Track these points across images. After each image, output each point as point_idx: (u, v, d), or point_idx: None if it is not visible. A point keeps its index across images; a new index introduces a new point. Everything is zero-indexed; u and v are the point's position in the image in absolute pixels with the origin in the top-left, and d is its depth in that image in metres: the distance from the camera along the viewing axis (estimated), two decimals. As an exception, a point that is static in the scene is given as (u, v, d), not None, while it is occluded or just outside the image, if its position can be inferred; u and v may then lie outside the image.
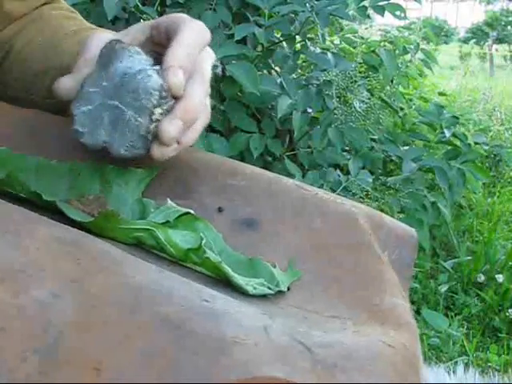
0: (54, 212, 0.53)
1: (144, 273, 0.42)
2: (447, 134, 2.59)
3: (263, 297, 0.51)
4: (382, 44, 2.70)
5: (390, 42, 2.73)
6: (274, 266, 0.54)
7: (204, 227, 0.56)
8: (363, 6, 2.32)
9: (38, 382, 0.31)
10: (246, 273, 0.53)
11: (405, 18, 2.49)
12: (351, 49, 2.88)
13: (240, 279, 0.51)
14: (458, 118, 2.75)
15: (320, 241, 0.58)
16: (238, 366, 0.35)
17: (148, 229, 0.54)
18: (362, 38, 2.96)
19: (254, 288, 0.52)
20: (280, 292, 0.52)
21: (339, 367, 0.39)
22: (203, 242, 0.52)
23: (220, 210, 0.62)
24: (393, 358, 0.42)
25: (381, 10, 2.31)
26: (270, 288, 0.53)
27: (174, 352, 0.35)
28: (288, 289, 0.54)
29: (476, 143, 2.87)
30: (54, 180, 0.59)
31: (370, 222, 0.61)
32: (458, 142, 2.66)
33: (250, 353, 0.37)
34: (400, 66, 2.77)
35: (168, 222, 0.56)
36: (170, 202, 0.58)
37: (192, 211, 0.56)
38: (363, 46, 2.82)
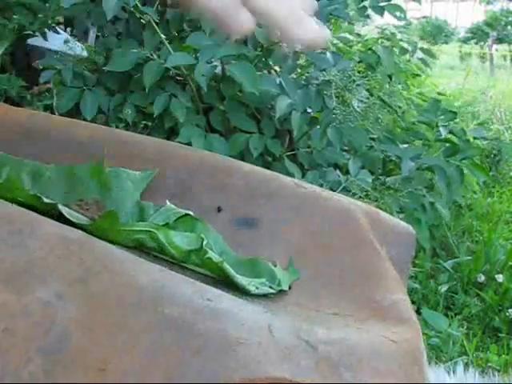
0: (53, 216, 0.53)
1: (147, 272, 0.42)
2: (443, 132, 2.59)
3: (265, 296, 0.51)
4: (379, 41, 2.70)
5: (387, 39, 2.72)
6: (275, 265, 0.54)
7: (204, 228, 0.56)
8: (363, 6, 2.32)
9: (43, 382, 0.31)
10: (248, 273, 0.53)
11: (405, 18, 2.50)
12: (347, 48, 2.88)
13: (242, 279, 0.51)
14: (456, 113, 2.74)
15: (319, 238, 0.58)
16: (242, 366, 0.35)
17: (149, 230, 0.54)
18: (359, 35, 2.95)
19: (256, 287, 0.52)
20: (281, 291, 0.52)
21: (343, 363, 0.39)
22: (204, 243, 0.52)
23: (219, 209, 0.62)
24: (396, 353, 0.42)
25: (380, 11, 2.31)
26: (271, 287, 0.53)
27: (179, 352, 0.35)
28: (289, 287, 0.54)
29: (475, 138, 2.86)
30: (51, 184, 0.59)
31: (368, 219, 0.61)
32: (456, 139, 2.65)
33: (253, 352, 0.37)
34: (398, 62, 2.76)
35: (168, 223, 0.56)
36: (168, 203, 0.58)
37: (191, 213, 0.56)
38: (360, 44, 2.82)
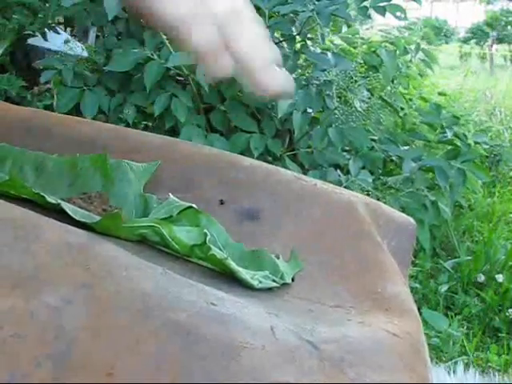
0: (57, 211, 0.53)
1: (151, 277, 0.42)
2: (449, 133, 2.60)
3: (268, 289, 0.51)
4: (382, 45, 2.70)
5: (391, 43, 2.73)
6: (278, 257, 0.55)
7: (207, 221, 0.56)
8: (364, 6, 2.32)
9: (52, 388, 0.32)
10: (251, 265, 0.53)
11: (405, 18, 2.50)
12: (351, 49, 2.88)
13: (245, 273, 0.52)
14: (458, 118, 2.75)
15: (320, 230, 0.58)
16: (247, 371, 0.35)
17: (152, 225, 0.54)
18: (363, 38, 2.96)
19: (260, 282, 0.52)
20: (284, 284, 0.53)
21: (346, 362, 0.39)
22: (207, 238, 0.52)
23: (222, 202, 0.62)
24: (398, 347, 0.42)
25: (382, 11, 2.31)
26: (274, 281, 0.53)
27: (185, 358, 0.35)
28: (292, 280, 0.54)
29: (476, 143, 2.87)
30: (54, 177, 0.59)
31: (368, 211, 0.61)
32: (458, 142, 2.66)
33: (258, 357, 0.37)
34: (400, 66, 2.77)
35: (171, 216, 0.56)
36: (171, 196, 0.58)
37: (194, 205, 0.56)
38: (364, 46, 2.82)
